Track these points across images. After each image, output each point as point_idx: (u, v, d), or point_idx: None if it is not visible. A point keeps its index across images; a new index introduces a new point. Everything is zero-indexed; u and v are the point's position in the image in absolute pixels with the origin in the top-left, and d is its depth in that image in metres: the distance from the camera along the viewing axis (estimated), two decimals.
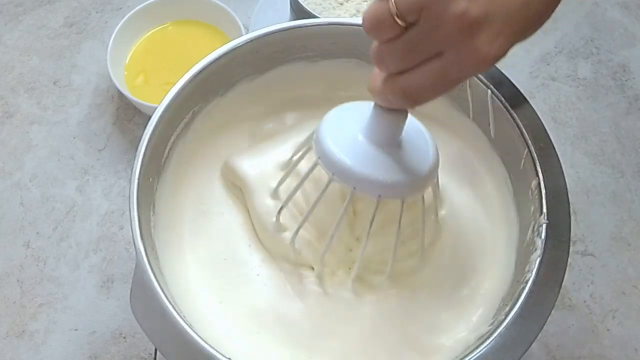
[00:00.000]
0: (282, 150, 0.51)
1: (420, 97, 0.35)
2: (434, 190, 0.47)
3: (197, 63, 0.50)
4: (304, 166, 0.47)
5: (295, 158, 0.48)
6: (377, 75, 0.37)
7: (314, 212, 0.46)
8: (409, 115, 0.40)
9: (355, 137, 0.42)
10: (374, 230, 0.44)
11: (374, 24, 0.33)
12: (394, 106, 0.38)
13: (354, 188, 0.41)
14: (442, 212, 0.51)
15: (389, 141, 0.42)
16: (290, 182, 0.48)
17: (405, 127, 0.41)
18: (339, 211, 0.44)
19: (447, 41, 0.32)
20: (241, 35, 0.66)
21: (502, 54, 0.32)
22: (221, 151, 0.55)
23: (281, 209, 0.47)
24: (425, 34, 0.32)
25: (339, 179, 0.41)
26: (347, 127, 0.43)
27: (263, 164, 0.52)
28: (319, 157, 0.42)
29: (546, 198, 0.45)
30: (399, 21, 0.32)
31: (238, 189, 0.53)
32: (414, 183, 0.42)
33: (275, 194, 0.49)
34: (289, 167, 0.48)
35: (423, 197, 0.45)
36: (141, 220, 0.45)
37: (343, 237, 0.49)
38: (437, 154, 0.44)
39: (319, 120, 0.44)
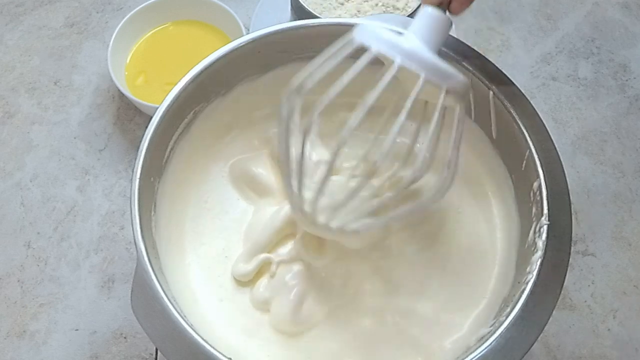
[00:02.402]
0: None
1: None
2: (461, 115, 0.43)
3: (198, 63, 0.50)
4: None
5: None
6: None
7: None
8: None
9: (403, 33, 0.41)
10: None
11: None
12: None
13: (423, 75, 0.39)
14: (442, 213, 0.51)
15: (437, 44, 0.42)
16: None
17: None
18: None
19: None
20: (242, 35, 0.66)
21: None
22: (225, 151, 0.55)
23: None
24: None
25: (411, 62, 0.39)
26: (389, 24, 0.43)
27: None
28: (378, 46, 0.39)
29: (547, 199, 0.45)
30: None
31: (250, 190, 0.54)
32: (462, 80, 0.41)
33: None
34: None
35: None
36: (142, 220, 0.45)
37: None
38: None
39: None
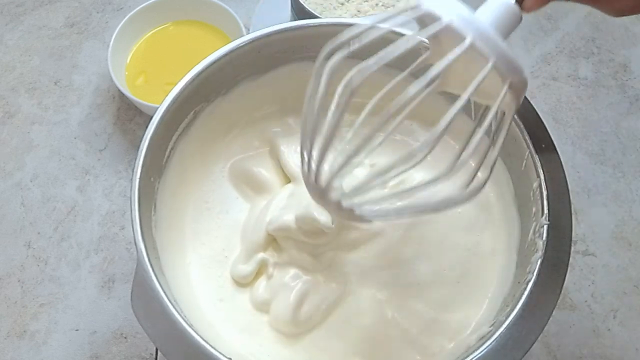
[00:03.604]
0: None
1: None
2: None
3: (198, 63, 0.50)
4: None
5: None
6: None
7: None
8: None
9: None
10: None
11: None
12: None
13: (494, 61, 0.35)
14: (442, 214, 0.51)
15: (505, 35, 0.38)
16: None
17: None
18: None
19: None
20: (242, 35, 0.66)
21: None
22: (225, 150, 0.55)
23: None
24: None
25: (483, 43, 0.35)
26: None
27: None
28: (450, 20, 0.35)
29: (548, 199, 0.45)
30: None
31: (249, 188, 0.54)
32: (526, 77, 0.38)
33: None
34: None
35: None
36: (142, 220, 0.45)
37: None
38: None
39: None
